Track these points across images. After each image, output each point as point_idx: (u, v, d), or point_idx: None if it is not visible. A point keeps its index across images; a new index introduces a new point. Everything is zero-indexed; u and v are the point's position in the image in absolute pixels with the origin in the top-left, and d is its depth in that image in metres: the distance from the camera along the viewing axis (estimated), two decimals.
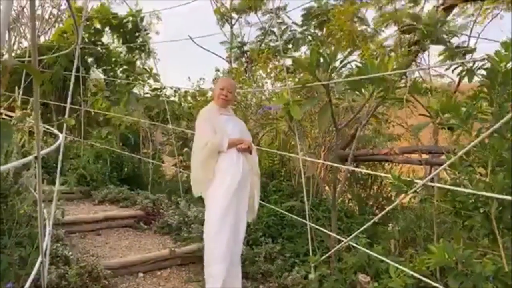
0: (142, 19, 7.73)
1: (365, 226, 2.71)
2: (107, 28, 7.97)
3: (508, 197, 1.76)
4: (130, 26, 7.81)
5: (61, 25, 8.75)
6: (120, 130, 6.64)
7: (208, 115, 3.16)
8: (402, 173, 4.49)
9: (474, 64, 2.97)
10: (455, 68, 3.30)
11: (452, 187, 2.04)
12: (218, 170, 3.00)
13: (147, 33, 8.21)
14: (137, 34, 7.89)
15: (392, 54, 5.37)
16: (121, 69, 8.06)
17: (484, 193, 1.85)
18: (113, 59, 7.90)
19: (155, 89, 6.78)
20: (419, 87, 3.25)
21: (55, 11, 9.27)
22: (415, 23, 4.25)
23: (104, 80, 7.98)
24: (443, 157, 3.52)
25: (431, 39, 3.73)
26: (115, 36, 8.06)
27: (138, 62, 8.21)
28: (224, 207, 2.92)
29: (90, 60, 7.93)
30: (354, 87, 3.22)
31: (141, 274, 3.62)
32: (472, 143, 1.85)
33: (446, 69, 3.89)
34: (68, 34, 7.66)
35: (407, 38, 4.84)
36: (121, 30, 7.89)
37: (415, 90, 3.16)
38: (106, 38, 8.26)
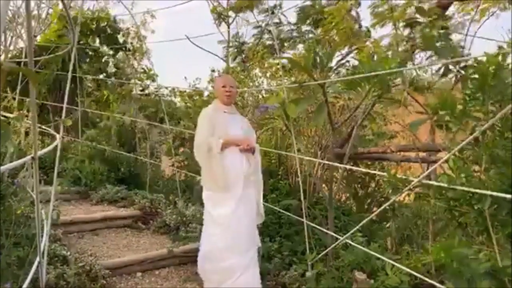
0: (115, 21, 7.72)
1: (361, 224, 2.73)
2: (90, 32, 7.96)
3: (502, 194, 1.79)
4: (108, 29, 7.79)
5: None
6: (108, 125, 6.61)
7: (210, 113, 3.12)
8: (399, 171, 4.51)
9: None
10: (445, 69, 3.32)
11: (445, 185, 2.05)
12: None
13: (124, 34, 8.13)
14: (117, 35, 7.88)
15: (390, 52, 5.35)
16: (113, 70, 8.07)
17: (477, 191, 1.87)
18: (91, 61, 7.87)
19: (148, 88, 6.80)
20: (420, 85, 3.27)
21: (51, 11, 9.22)
22: (418, 17, 4.18)
23: (98, 80, 7.98)
24: (440, 154, 3.54)
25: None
26: (89, 38, 8.02)
27: (135, 63, 8.18)
28: (234, 207, 2.94)
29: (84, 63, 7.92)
30: (351, 86, 3.24)
31: (139, 274, 3.63)
32: (465, 141, 1.87)
33: (439, 69, 3.89)
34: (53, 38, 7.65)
35: (407, 34, 4.74)
36: (100, 33, 7.86)
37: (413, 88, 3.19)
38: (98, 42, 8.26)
